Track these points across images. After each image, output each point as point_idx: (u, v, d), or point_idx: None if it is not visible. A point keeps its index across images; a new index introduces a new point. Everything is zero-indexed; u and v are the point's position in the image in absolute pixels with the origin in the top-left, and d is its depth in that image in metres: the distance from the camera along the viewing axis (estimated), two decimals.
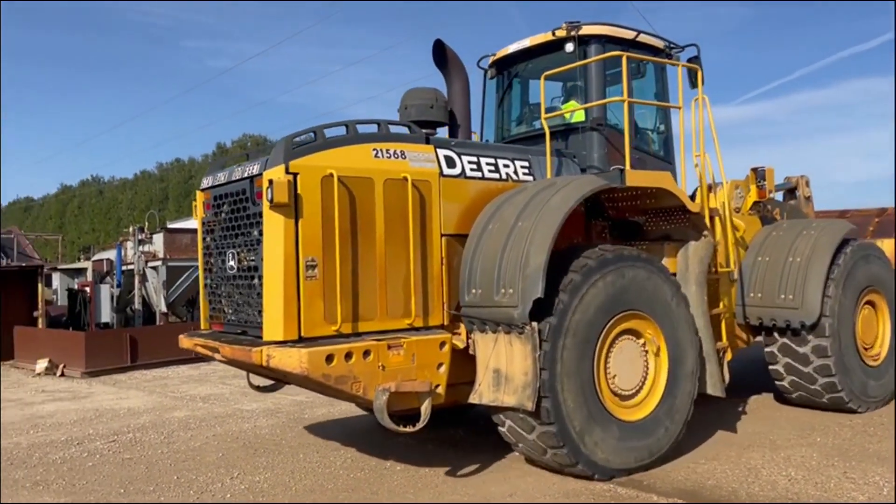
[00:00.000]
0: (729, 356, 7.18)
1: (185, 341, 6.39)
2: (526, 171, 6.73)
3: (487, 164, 6.44)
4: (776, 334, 7.89)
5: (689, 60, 7.76)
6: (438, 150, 6.12)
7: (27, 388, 12.22)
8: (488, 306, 5.63)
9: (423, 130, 6.48)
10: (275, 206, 5.20)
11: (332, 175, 5.38)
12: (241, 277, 5.82)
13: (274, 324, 5.23)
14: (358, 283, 5.53)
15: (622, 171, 6.18)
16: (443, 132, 6.82)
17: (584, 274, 5.64)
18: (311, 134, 5.56)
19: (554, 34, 7.33)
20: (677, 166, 7.33)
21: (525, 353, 5.42)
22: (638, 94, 7.64)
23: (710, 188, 8.43)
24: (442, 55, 6.87)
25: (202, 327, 6.55)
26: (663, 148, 7.90)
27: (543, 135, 7.16)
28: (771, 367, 8.01)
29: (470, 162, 6.31)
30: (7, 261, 20.79)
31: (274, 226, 5.26)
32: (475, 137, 8.05)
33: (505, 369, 5.60)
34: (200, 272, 6.59)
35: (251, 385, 6.88)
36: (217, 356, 5.90)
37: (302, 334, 5.24)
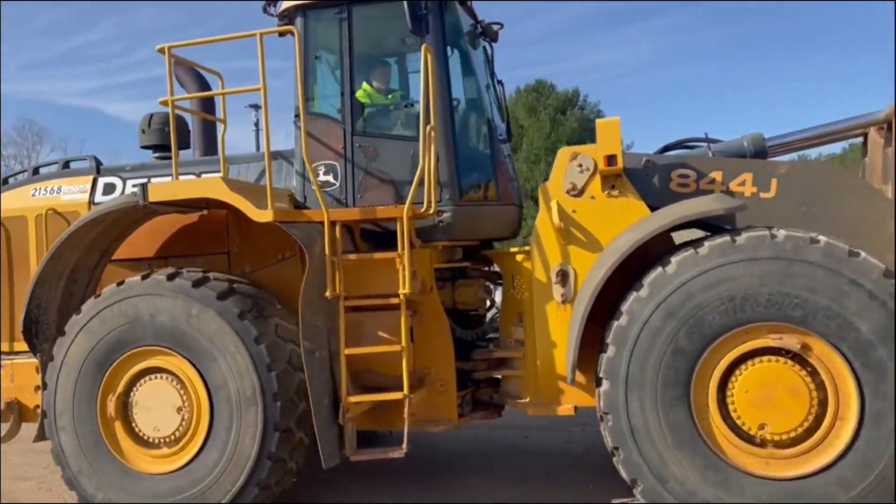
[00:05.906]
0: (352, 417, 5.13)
1: None
2: None
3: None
4: None
5: None
6: (101, 179, 6.32)
7: None
8: None
9: (156, 155, 6.70)
10: None
11: None
12: None
13: None
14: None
15: (144, 185, 5.29)
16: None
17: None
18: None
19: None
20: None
21: None
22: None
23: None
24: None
25: None
26: (417, 126, 5.67)
27: None
28: None
29: (135, 185, 6.24)
30: None
31: None
32: None
33: None
34: None
35: None
36: None
37: None
